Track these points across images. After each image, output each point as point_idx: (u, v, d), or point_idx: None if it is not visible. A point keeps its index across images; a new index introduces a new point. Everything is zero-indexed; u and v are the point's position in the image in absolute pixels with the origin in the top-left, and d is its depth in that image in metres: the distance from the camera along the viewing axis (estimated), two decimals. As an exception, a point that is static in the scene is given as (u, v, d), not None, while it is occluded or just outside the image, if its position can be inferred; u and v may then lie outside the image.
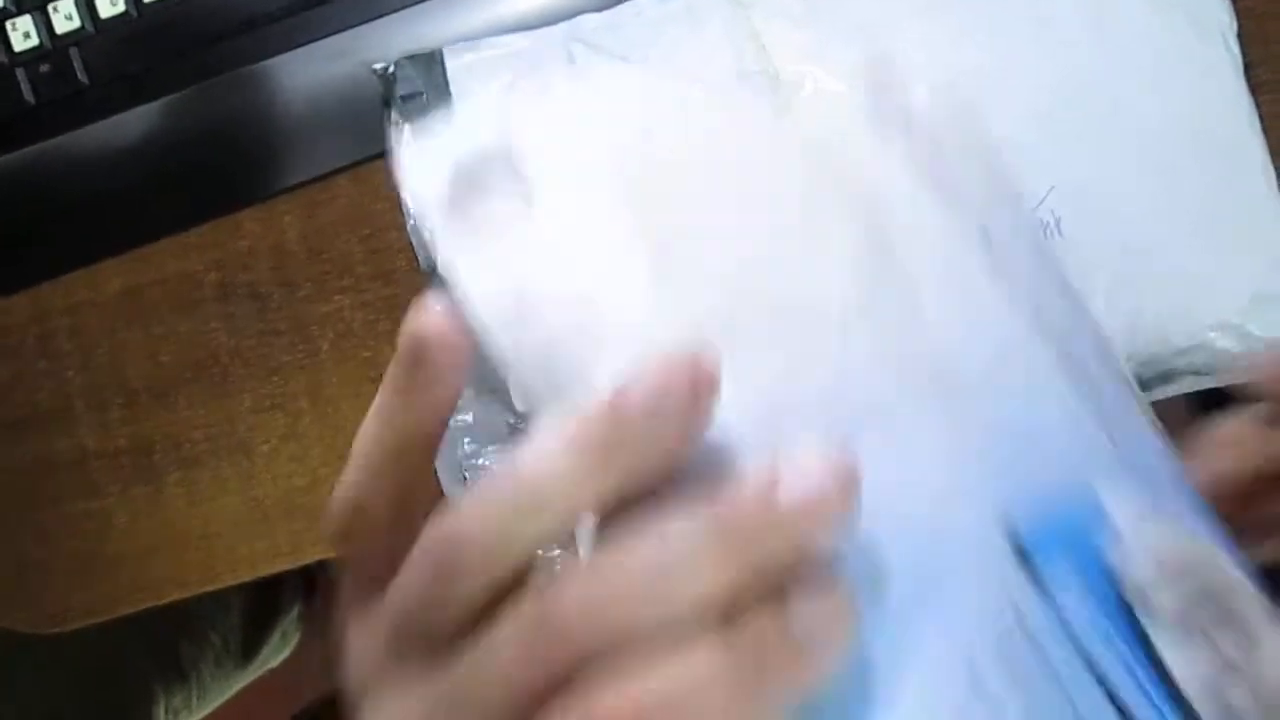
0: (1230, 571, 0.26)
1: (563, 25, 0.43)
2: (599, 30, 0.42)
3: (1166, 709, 0.24)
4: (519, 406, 0.44)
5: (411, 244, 0.46)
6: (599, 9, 0.43)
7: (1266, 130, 0.41)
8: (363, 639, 0.23)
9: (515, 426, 0.44)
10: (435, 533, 0.21)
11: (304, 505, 0.48)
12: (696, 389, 0.20)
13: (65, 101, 0.48)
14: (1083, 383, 0.27)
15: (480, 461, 0.44)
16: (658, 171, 0.27)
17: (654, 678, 0.19)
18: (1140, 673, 0.25)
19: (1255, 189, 0.40)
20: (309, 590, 1.09)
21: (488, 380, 0.45)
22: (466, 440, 0.45)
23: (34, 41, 0.47)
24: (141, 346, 0.49)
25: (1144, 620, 0.25)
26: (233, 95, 0.47)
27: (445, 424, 0.23)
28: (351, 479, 0.23)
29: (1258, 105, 0.41)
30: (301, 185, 0.48)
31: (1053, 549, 0.25)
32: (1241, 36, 0.41)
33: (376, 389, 0.47)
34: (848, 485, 0.20)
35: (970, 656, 0.24)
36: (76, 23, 0.47)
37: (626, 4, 0.43)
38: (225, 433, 0.48)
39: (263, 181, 0.48)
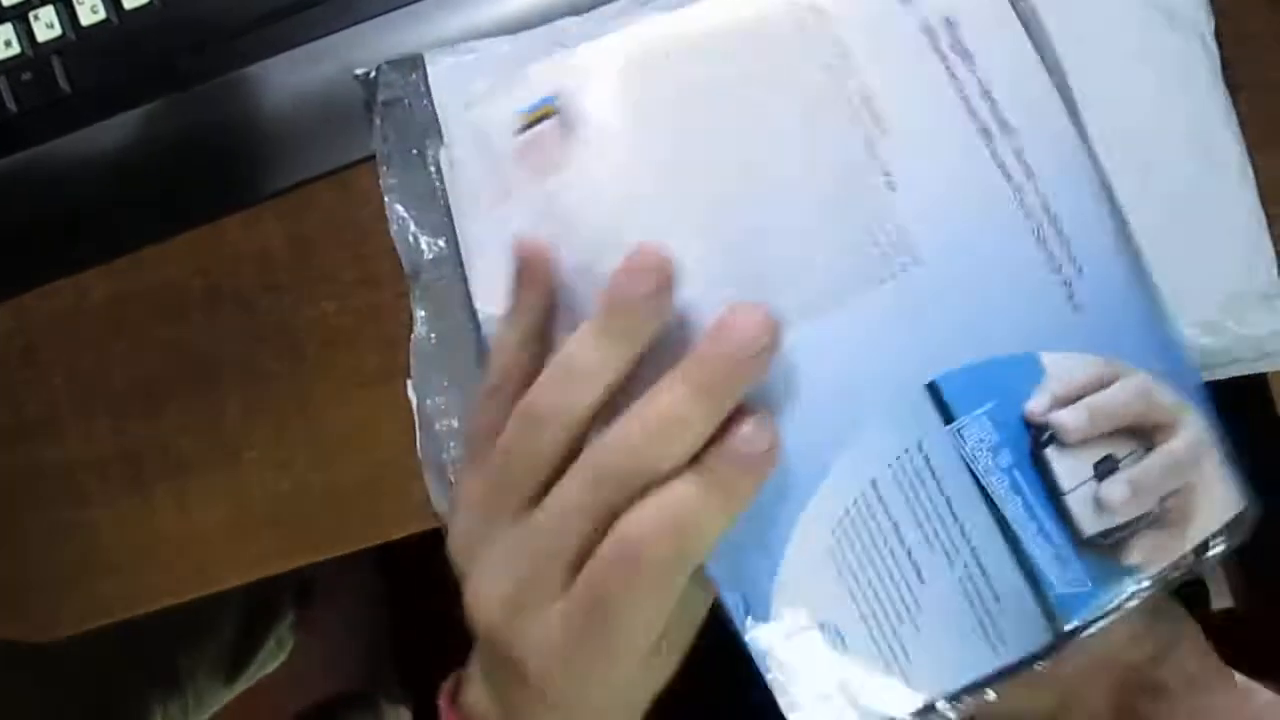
0: (1156, 399, 0.34)
1: (543, 29, 0.43)
2: (579, 34, 0.42)
3: (1040, 511, 0.33)
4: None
5: (396, 249, 0.46)
6: (578, 13, 0.43)
7: (1244, 127, 0.41)
8: (465, 516, 0.32)
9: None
10: (517, 407, 0.30)
11: (292, 510, 0.48)
12: (659, 282, 0.28)
13: (47, 109, 0.48)
14: (1057, 254, 0.33)
15: (466, 465, 0.45)
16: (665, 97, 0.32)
17: (655, 504, 0.28)
18: (1025, 485, 0.33)
19: (1232, 186, 0.40)
20: (304, 597, 1.09)
21: (476, 382, 0.45)
22: (452, 444, 0.45)
23: (15, 50, 0.47)
24: (127, 355, 0.49)
25: (1047, 445, 0.33)
26: (216, 102, 0.47)
27: (543, 314, 0.31)
28: (491, 362, 0.32)
29: (1235, 103, 0.41)
30: (286, 191, 0.48)
31: (973, 400, 0.33)
32: (1219, 34, 0.41)
33: (363, 394, 0.47)
34: (772, 333, 0.28)
35: (874, 477, 0.32)
36: (58, 30, 0.47)
37: (605, 7, 0.43)
38: (212, 440, 0.48)
39: (247, 188, 0.48)
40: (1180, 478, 0.34)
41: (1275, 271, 0.40)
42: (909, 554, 0.32)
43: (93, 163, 0.48)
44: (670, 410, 0.28)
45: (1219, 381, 0.39)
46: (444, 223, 0.45)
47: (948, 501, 0.33)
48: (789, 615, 0.32)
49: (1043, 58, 0.34)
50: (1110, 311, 0.33)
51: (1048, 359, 0.33)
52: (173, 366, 0.49)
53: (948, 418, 0.33)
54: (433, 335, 0.45)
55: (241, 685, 0.98)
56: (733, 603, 0.32)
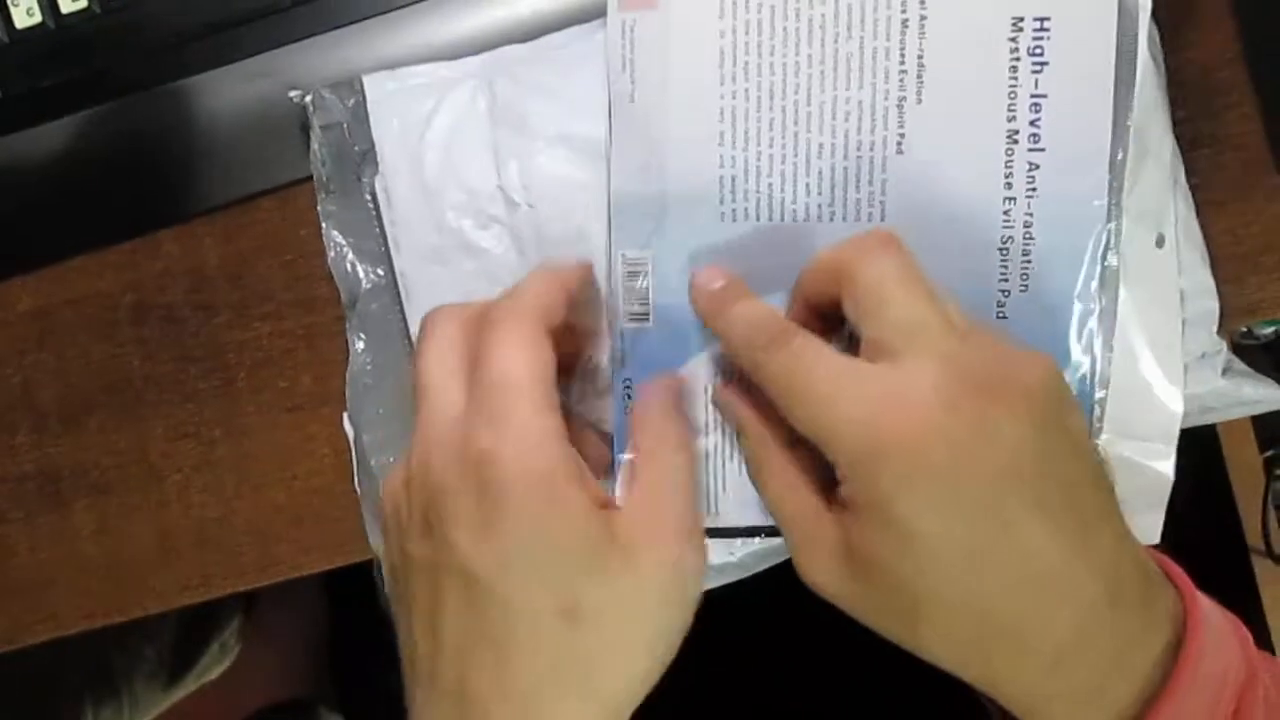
0: None
1: (485, 55, 0.42)
2: (521, 61, 0.41)
3: None
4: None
5: (333, 274, 0.44)
6: (522, 40, 0.42)
7: (1207, 184, 0.40)
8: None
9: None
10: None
11: (215, 536, 0.47)
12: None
13: (-24, 114, 0.46)
14: (1011, 269, 0.35)
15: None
16: None
17: None
18: None
19: (1177, 244, 0.39)
20: (250, 601, 1.08)
21: (400, 406, 0.43)
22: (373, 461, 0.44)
23: (-55, 52, 0.45)
24: (51, 369, 0.47)
25: None
26: (153, 112, 0.46)
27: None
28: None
29: (1197, 159, 0.40)
30: (222, 208, 0.46)
31: None
32: (1179, 88, 0.40)
33: (294, 419, 0.46)
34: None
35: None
36: (-10, 33, 0.45)
37: (549, 36, 0.41)
38: (136, 460, 0.47)
39: (182, 202, 0.46)
40: None
41: (1216, 329, 0.40)
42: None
43: (23, 169, 0.46)
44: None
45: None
46: (382, 252, 0.43)
47: None
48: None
49: (1117, 100, 0.34)
50: (1030, 336, 0.35)
51: None
52: (98, 383, 0.47)
53: None
54: (369, 365, 0.44)
55: (182, 691, 0.96)
56: (621, 386, 0.40)
